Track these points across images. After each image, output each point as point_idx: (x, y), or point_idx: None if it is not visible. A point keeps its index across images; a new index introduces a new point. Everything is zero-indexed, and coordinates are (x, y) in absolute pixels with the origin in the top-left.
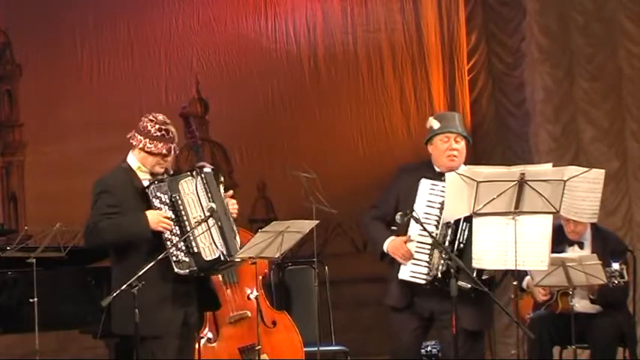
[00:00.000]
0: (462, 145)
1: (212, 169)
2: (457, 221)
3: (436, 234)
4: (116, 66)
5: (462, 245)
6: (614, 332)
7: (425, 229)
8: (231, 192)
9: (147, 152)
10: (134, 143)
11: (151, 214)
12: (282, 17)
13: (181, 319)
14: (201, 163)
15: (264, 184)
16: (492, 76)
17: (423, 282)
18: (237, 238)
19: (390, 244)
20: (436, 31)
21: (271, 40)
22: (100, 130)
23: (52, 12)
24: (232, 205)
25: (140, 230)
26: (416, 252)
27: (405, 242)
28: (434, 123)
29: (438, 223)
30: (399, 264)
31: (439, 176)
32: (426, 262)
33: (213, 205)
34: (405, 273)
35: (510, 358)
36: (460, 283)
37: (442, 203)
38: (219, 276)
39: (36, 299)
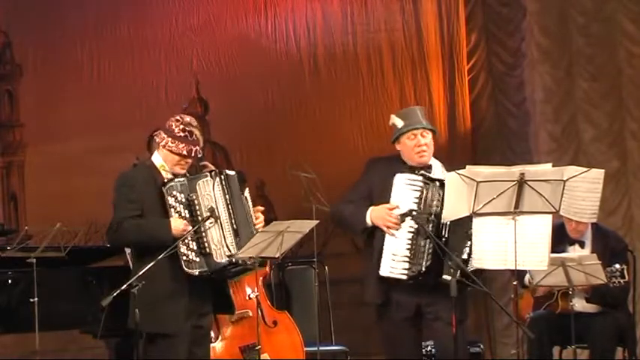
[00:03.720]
0: (429, 138)
1: (237, 172)
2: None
3: (417, 229)
4: (116, 66)
5: (444, 239)
6: (612, 332)
7: (426, 231)
8: (261, 208)
9: (168, 150)
10: (157, 141)
11: (174, 222)
12: (282, 17)
13: (194, 319)
14: (203, 163)
15: (264, 184)
16: (492, 76)
17: (405, 277)
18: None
19: (373, 213)
20: (436, 31)
21: (271, 40)
22: (100, 130)
23: (52, 12)
24: (258, 220)
25: (162, 236)
26: (396, 247)
27: (391, 210)
28: (397, 121)
29: (416, 217)
30: (378, 260)
31: (413, 170)
32: (407, 256)
33: (214, 206)
34: (386, 269)
35: (510, 358)
36: (444, 277)
37: (419, 197)
38: None
39: (36, 299)
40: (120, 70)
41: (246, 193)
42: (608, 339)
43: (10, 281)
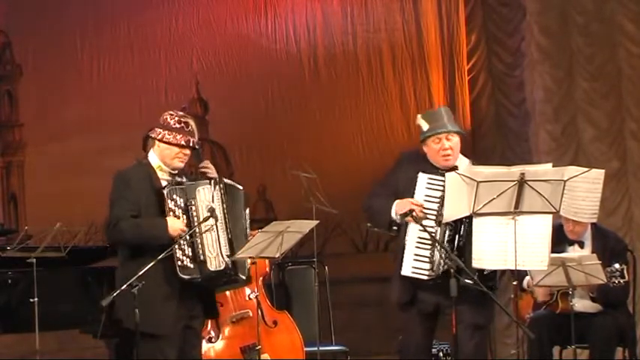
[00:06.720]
0: (454, 141)
1: (243, 191)
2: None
3: (436, 230)
4: (116, 66)
5: (461, 243)
6: (612, 332)
7: (425, 229)
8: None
9: (165, 143)
10: (153, 136)
11: (171, 221)
12: (282, 17)
13: (185, 321)
14: (203, 163)
15: (264, 184)
16: (492, 76)
17: (426, 278)
18: (248, 261)
19: (397, 206)
20: (436, 31)
21: (271, 41)
22: (100, 130)
23: (52, 12)
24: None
25: (159, 235)
26: (417, 247)
27: (415, 204)
28: (422, 124)
29: (437, 217)
30: (402, 260)
31: (437, 170)
32: (428, 257)
33: (214, 206)
34: (407, 269)
35: (510, 358)
36: (466, 281)
37: (441, 197)
38: None
39: (36, 299)
40: (120, 70)
41: (247, 211)
42: (608, 339)
43: (10, 281)
